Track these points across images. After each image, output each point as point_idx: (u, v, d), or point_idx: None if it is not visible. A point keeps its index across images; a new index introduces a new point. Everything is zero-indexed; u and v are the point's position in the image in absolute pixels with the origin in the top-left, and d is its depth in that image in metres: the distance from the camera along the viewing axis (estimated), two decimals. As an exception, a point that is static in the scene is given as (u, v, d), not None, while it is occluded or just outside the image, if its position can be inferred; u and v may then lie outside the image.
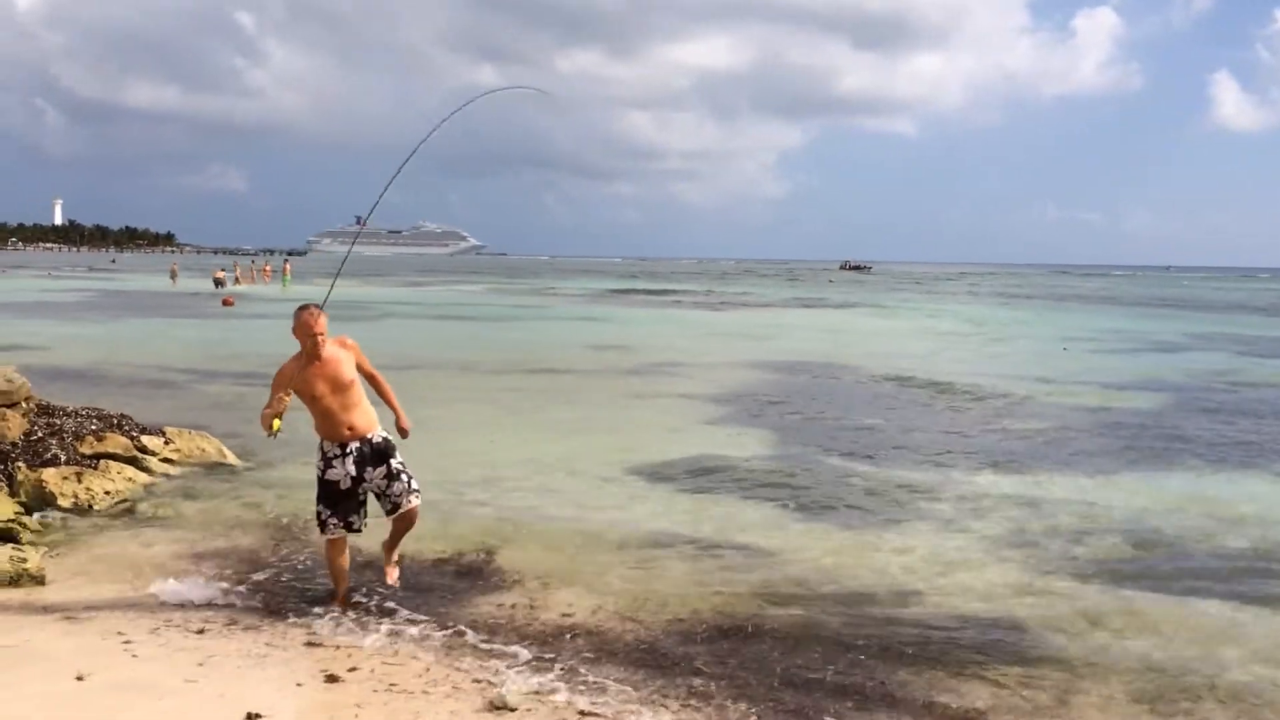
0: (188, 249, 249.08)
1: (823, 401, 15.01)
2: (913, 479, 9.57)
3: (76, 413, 9.47)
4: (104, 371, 16.55)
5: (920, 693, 4.75)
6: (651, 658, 5.14)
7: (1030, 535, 7.64)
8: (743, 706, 4.61)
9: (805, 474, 9.80)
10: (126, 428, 9.30)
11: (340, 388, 5.47)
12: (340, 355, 5.52)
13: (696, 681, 4.85)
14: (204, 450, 9.35)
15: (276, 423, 5.48)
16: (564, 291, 58.22)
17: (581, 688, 4.77)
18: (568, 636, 5.42)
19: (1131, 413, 14.33)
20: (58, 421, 9.09)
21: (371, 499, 5.67)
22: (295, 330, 5.46)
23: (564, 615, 5.70)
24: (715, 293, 58.59)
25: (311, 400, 5.47)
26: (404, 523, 5.66)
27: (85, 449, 8.55)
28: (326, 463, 5.57)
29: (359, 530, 5.67)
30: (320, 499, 5.62)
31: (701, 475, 9.58)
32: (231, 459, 9.39)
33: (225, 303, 37.15)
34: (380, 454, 5.58)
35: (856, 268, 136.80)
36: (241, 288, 49.16)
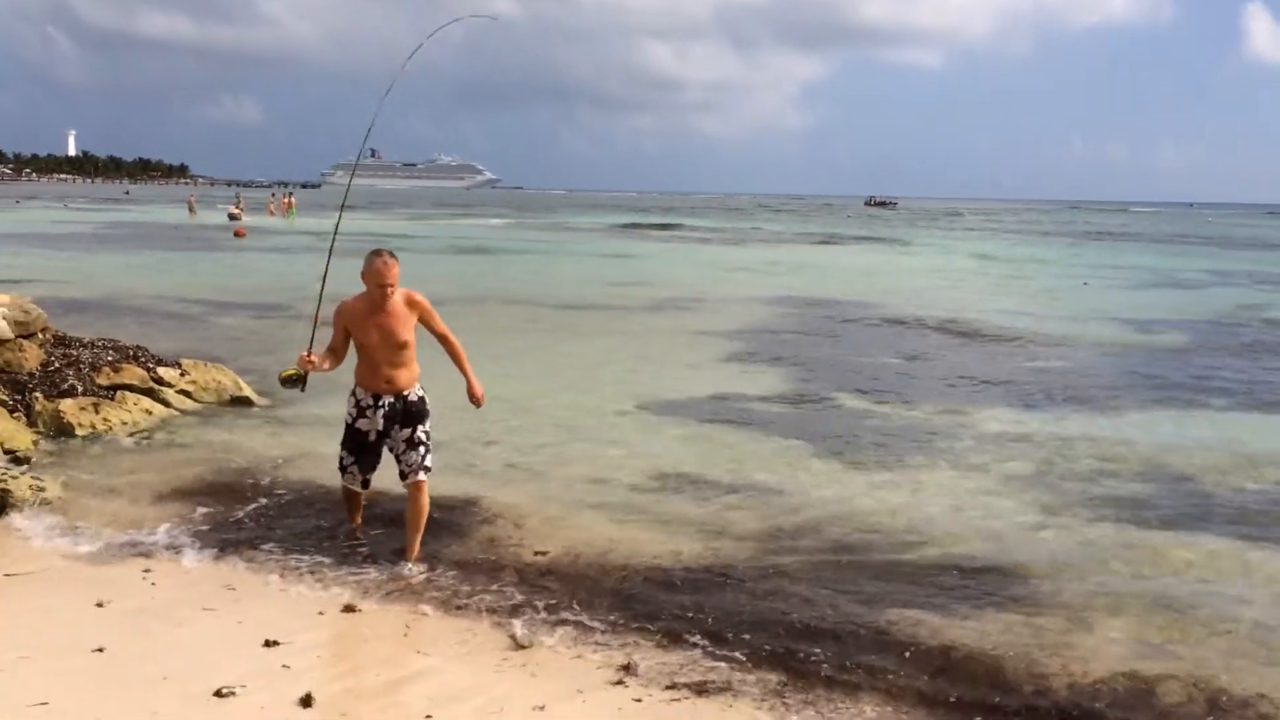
0: (201, 181, 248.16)
1: (840, 339, 14.91)
2: (929, 418, 9.51)
3: (93, 344, 9.47)
4: (119, 303, 16.57)
5: (930, 631, 4.74)
6: (658, 597, 5.14)
7: (1047, 474, 7.60)
8: (750, 647, 4.60)
9: (820, 412, 9.75)
10: (142, 359, 9.30)
11: (394, 345, 5.28)
12: (403, 313, 5.29)
13: (709, 620, 4.85)
14: (220, 383, 9.35)
15: (292, 369, 5.44)
16: (580, 226, 57.83)
17: (591, 626, 4.78)
18: (576, 575, 5.41)
19: (1152, 351, 14.18)
20: (74, 353, 9.09)
21: (388, 457, 5.55)
22: (364, 275, 5.24)
23: (573, 555, 5.65)
24: (734, 229, 58.07)
25: (361, 347, 5.32)
26: (415, 505, 5.41)
27: (102, 380, 8.57)
28: (359, 410, 5.41)
29: (367, 487, 5.65)
30: (345, 444, 5.52)
31: (717, 411, 9.55)
32: (248, 392, 9.39)
33: (237, 234, 37.08)
34: (411, 415, 5.40)
35: (881, 204, 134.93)
36: (249, 220, 48.82)
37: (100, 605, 4.78)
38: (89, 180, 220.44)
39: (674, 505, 6.61)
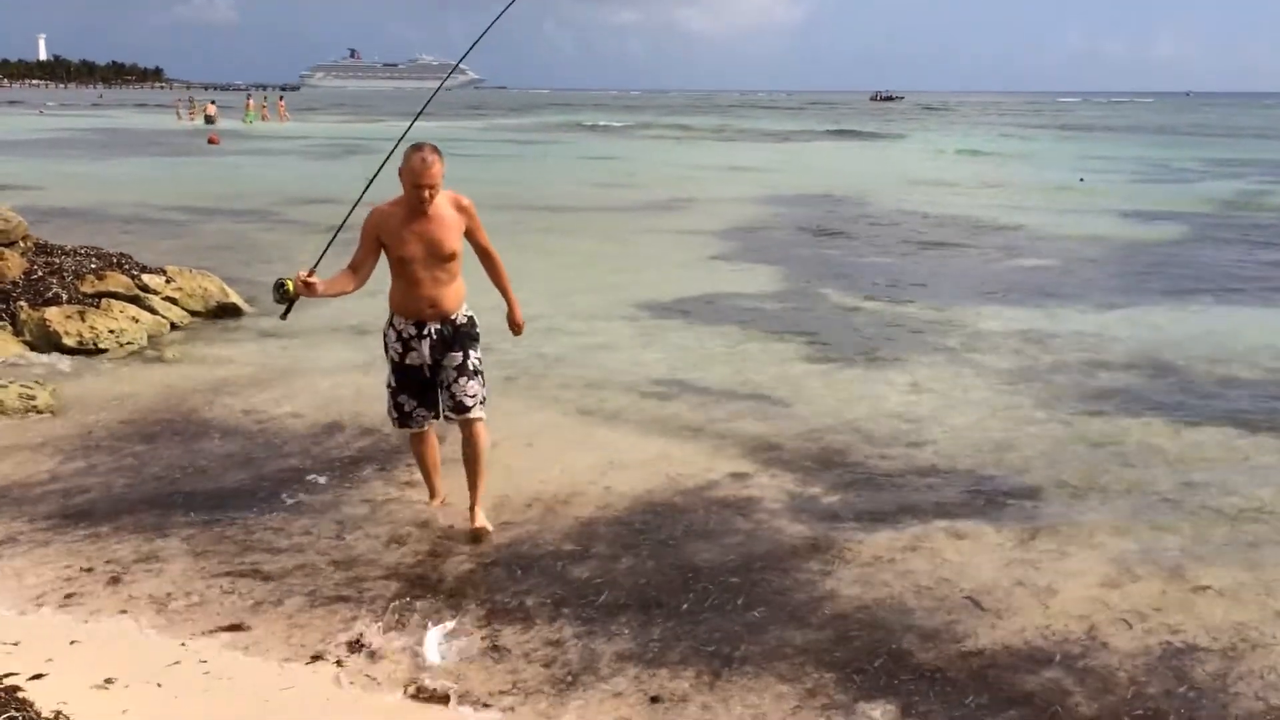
0: (176, 84, 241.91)
1: (829, 237, 14.79)
2: (923, 315, 9.50)
3: (75, 251, 9.33)
4: (100, 211, 16.29)
5: (918, 530, 4.77)
6: (650, 507, 5.17)
7: (1040, 369, 7.63)
8: (740, 553, 4.66)
9: (812, 312, 9.73)
10: (127, 266, 9.18)
11: (438, 257, 4.40)
12: (449, 218, 4.42)
13: (696, 522, 4.90)
14: (207, 290, 9.25)
15: (290, 284, 4.30)
16: (566, 125, 56.75)
17: (580, 546, 4.83)
18: (572, 491, 5.44)
19: (1146, 244, 14.14)
20: (57, 260, 8.97)
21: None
22: (402, 173, 4.33)
23: (564, 471, 5.59)
24: (721, 126, 57.06)
25: (399, 261, 4.41)
26: (473, 447, 4.60)
27: (86, 288, 8.46)
28: (405, 345, 4.51)
29: (440, 417, 4.66)
30: (399, 387, 4.59)
31: (708, 313, 9.52)
32: (235, 299, 9.30)
33: (210, 140, 36.24)
34: (462, 339, 4.52)
35: (888, 98, 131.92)
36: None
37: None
38: (61, 85, 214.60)
39: (665, 411, 6.60)
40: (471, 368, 4.51)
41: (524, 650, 3.68)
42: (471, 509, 4.66)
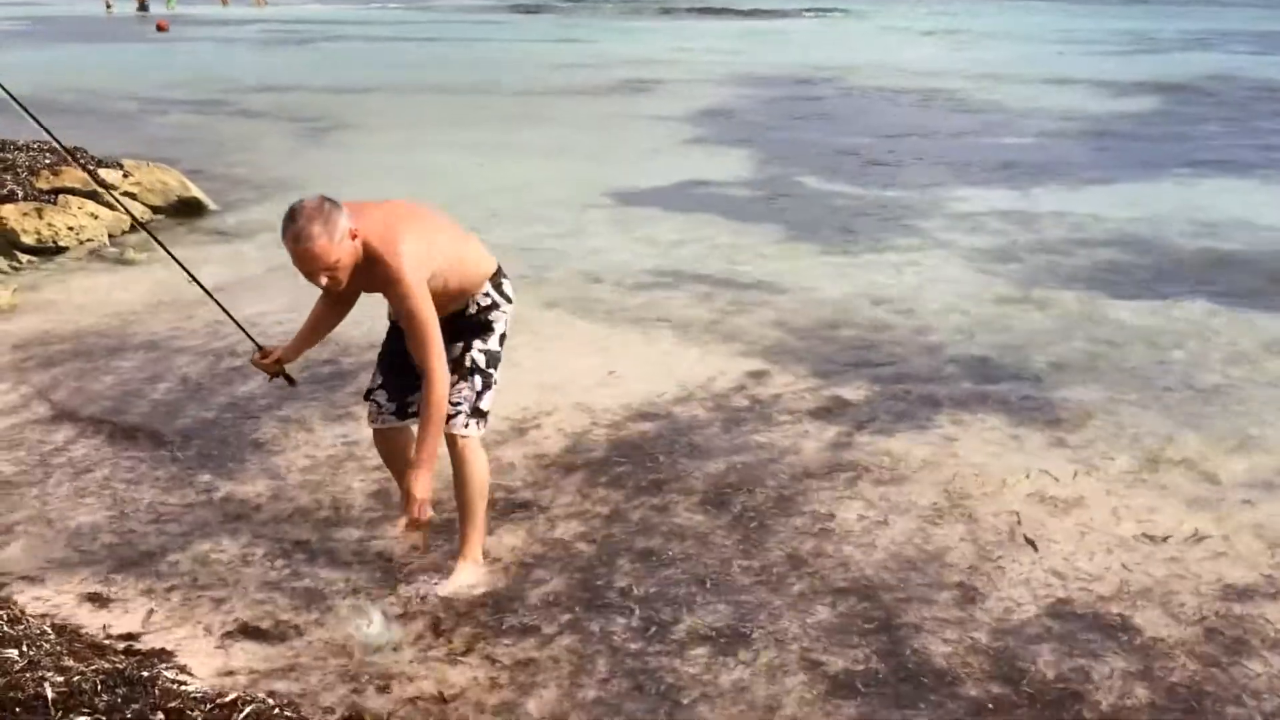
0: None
1: (802, 118, 14.51)
2: (899, 197, 9.41)
3: (28, 146, 8.97)
4: (48, 103, 15.49)
5: (890, 414, 4.78)
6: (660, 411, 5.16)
7: (1017, 249, 7.62)
8: (762, 458, 4.66)
9: (788, 196, 9.60)
10: (82, 161, 8.82)
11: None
12: (373, 284, 3.13)
13: (680, 412, 4.89)
14: (166, 184, 8.95)
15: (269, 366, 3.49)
16: (517, 5, 54.73)
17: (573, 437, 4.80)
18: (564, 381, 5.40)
19: (1125, 119, 14.01)
20: (9, 156, 8.63)
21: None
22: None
23: (569, 376, 5.48)
24: (673, 7, 55.29)
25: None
26: (452, 467, 3.44)
27: (42, 184, 8.17)
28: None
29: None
30: (380, 357, 3.50)
31: (687, 202, 9.36)
32: (197, 193, 9.02)
33: (159, 28, 34.59)
34: (464, 328, 3.38)
35: None
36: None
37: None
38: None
39: (646, 298, 6.55)
40: (469, 363, 3.33)
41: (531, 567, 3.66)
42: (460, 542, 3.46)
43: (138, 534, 3.75)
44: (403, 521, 3.19)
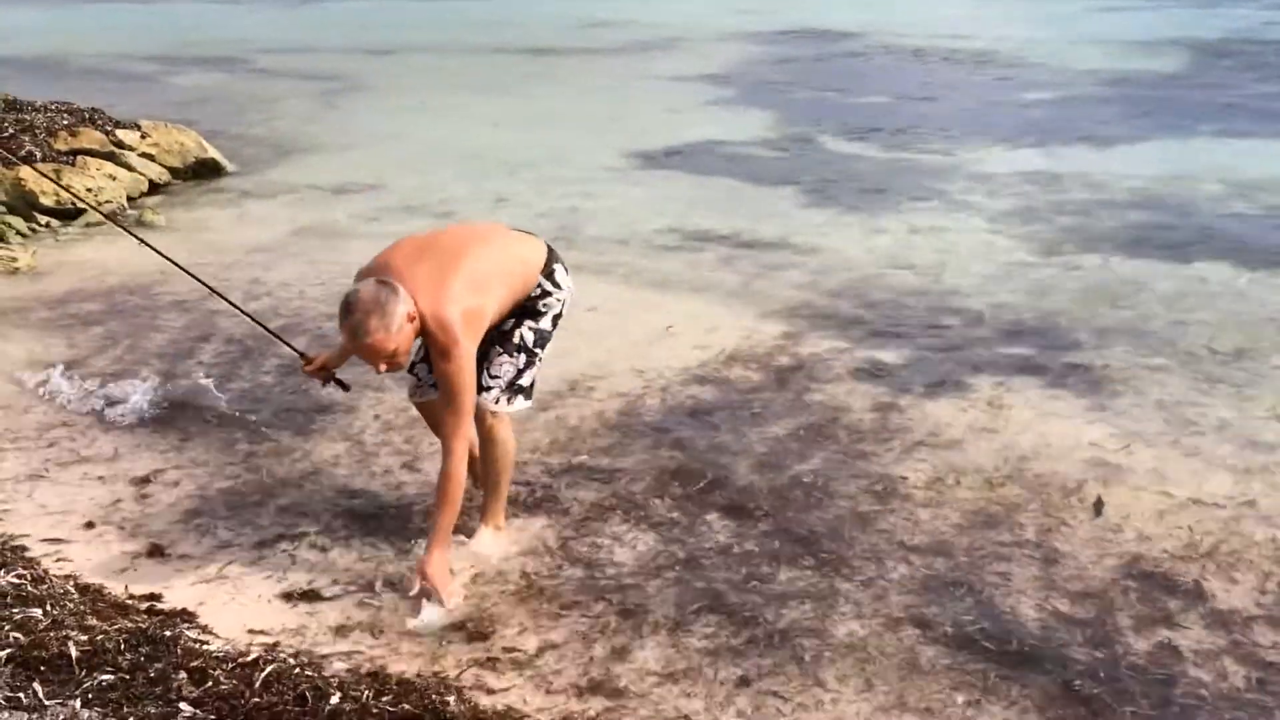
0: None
1: (822, 76, 14.29)
2: (921, 159, 9.28)
3: (46, 107, 8.97)
4: (62, 63, 15.57)
5: (931, 377, 4.78)
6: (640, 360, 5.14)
7: (1045, 210, 7.51)
8: (806, 423, 4.64)
9: (810, 157, 9.49)
10: (100, 122, 8.83)
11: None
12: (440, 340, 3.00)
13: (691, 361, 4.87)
14: (184, 145, 8.94)
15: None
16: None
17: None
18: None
19: (1147, 76, 13.72)
20: (26, 117, 8.62)
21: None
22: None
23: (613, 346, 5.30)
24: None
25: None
26: (478, 444, 3.47)
27: (60, 145, 8.17)
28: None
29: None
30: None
31: (705, 161, 9.26)
32: (214, 154, 9.00)
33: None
34: (517, 310, 3.36)
35: None
36: None
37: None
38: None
39: (659, 259, 6.51)
40: (517, 339, 3.30)
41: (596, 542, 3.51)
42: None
43: (164, 495, 3.78)
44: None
